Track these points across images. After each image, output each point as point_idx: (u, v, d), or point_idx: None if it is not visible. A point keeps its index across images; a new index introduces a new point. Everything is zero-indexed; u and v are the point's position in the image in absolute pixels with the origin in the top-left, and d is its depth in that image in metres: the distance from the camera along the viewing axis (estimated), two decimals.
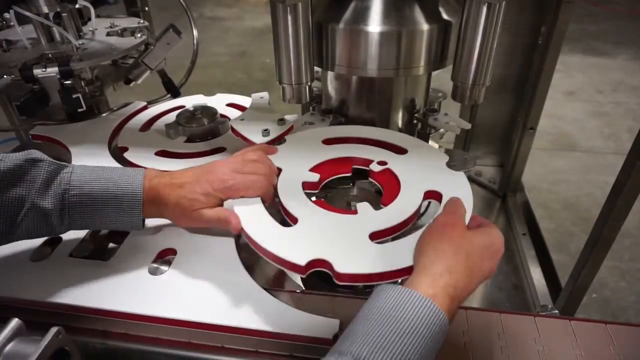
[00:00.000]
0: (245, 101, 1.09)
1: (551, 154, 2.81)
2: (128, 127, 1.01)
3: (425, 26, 0.81)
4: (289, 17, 0.75)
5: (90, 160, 0.88)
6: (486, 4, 0.72)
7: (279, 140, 0.84)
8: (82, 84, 1.03)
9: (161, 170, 0.66)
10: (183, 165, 0.85)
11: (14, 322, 0.53)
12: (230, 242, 0.70)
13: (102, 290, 0.63)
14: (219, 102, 1.08)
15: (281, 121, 0.86)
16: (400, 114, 0.96)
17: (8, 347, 0.51)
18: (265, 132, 0.83)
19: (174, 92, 1.19)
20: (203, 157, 0.89)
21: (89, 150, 0.92)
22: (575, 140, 2.96)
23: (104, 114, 1.07)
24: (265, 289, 0.63)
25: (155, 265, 0.66)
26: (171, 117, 1.03)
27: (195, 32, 1.23)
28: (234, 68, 3.97)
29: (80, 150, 0.91)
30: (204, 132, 0.96)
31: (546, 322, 0.61)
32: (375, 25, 0.81)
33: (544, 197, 2.47)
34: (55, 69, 0.92)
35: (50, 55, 0.95)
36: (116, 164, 0.88)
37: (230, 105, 1.08)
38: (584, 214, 2.38)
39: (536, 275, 1.12)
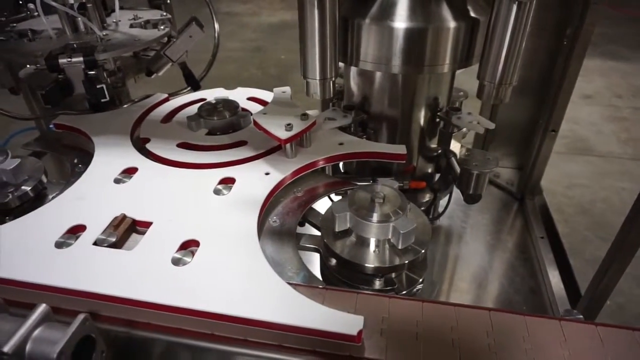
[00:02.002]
0: (266, 95, 1.09)
1: (566, 158, 2.78)
2: (150, 119, 1.01)
3: (452, 23, 0.81)
4: (316, 12, 0.75)
5: (112, 150, 0.89)
6: (516, 3, 0.71)
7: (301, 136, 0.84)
8: (105, 74, 1.03)
9: None
10: (205, 158, 0.86)
11: (42, 308, 0.53)
12: (254, 235, 0.69)
13: (126, 279, 0.63)
14: (240, 95, 1.08)
15: (304, 116, 0.86)
16: (422, 112, 0.95)
17: (36, 332, 0.51)
18: (289, 127, 0.82)
19: (195, 85, 1.19)
20: (224, 150, 0.88)
21: (111, 140, 0.92)
22: (591, 144, 2.92)
23: (125, 105, 1.08)
24: (289, 283, 0.63)
25: (178, 255, 0.66)
26: (192, 109, 1.03)
27: (216, 26, 1.24)
28: (249, 63, 3.97)
29: (102, 140, 0.92)
30: (225, 125, 0.96)
31: (572, 326, 0.60)
32: (401, 21, 0.81)
33: (558, 201, 2.45)
34: (80, 59, 0.92)
35: (75, 45, 0.96)
36: (138, 155, 0.88)
37: (251, 99, 1.08)
38: (599, 219, 2.35)
39: (554, 279, 1.11)
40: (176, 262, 0.65)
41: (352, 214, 0.69)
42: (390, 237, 0.69)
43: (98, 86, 0.95)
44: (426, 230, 0.73)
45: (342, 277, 0.73)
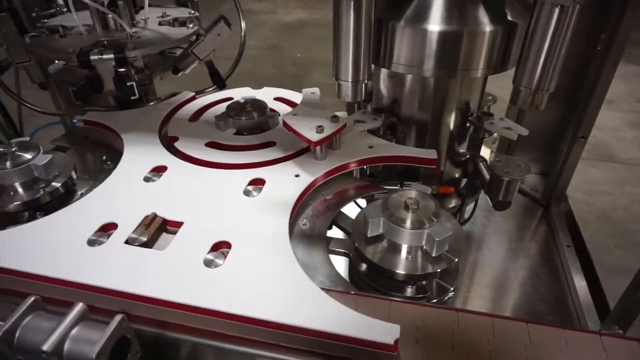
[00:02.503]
0: (293, 96, 1.09)
1: (587, 164, 2.73)
2: (178, 117, 1.01)
3: (488, 27, 0.79)
4: (352, 12, 0.74)
5: (141, 148, 0.89)
6: (558, 7, 0.70)
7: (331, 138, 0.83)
8: (133, 72, 1.03)
9: None
10: (234, 158, 0.85)
11: (79, 307, 0.53)
12: (285, 238, 0.69)
13: (158, 279, 0.62)
14: (267, 95, 1.07)
15: (334, 118, 0.85)
16: (453, 116, 0.93)
17: (74, 331, 0.51)
18: (319, 129, 0.82)
19: (220, 84, 1.19)
20: (253, 151, 0.88)
21: (140, 137, 0.92)
22: (612, 150, 2.87)
23: (151, 103, 1.08)
24: (321, 288, 0.62)
25: (210, 257, 0.65)
26: (220, 108, 1.03)
27: (243, 24, 1.23)
28: (265, 61, 3.97)
29: (131, 138, 0.92)
30: (253, 125, 0.95)
31: (613, 341, 0.59)
32: (436, 24, 0.80)
33: (578, 208, 2.38)
34: (111, 55, 0.92)
35: (105, 42, 0.96)
36: (167, 153, 0.88)
37: (278, 99, 1.07)
38: (620, 227, 2.31)
39: (581, 289, 1.09)
40: (208, 263, 0.65)
41: (385, 220, 0.69)
42: (424, 244, 0.68)
43: (128, 83, 0.95)
44: (459, 238, 0.72)
45: (373, 283, 0.72)
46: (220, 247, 0.68)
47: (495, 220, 1.37)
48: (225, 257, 0.66)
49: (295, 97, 1.08)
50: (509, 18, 0.80)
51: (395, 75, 0.92)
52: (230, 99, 1.07)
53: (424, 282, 0.72)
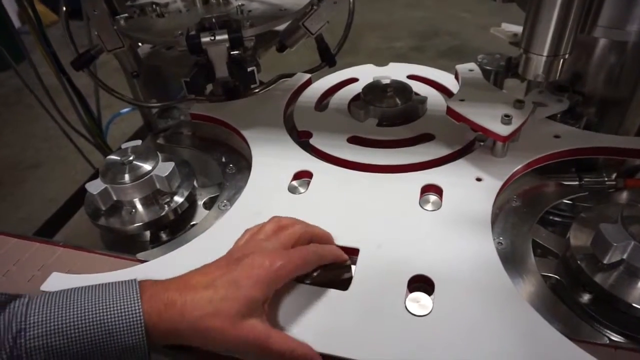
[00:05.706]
0: (429, 72, 0.90)
1: None
2: (301, 106, 0.85)
3: None
4: None
5: (271, 149, 0.74)
6: None
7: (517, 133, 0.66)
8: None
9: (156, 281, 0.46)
10: (389, 158, 0.69)
11: None
12: (499, 267, 0.53)
13: (353, 333, 0.49)
14: (396, 72, 0.90)
15: (519, 103, 0.67)
16: None
17: None
18: (507, 119, 0.64)
19: (330, 61, 1.02)
20: (409, 147, 0.72)
21: (265, 134, 0.77)
22: None
23: (257, 90, 0.92)
24: (570, 338, 0.47)
25: (414, 299, 0.51)
26: (346, 92, 0.87)
27: None
28: None
29: (256, 135, 0.77)
30: (397, 114, 0.78)
31: None
32: None
33: None
34: (225, 36, 0.77)
35: (213, 19, 0.80)
36: (305, 154, 0.73)
37: (412, 77, 0.89)
38: None
39: None
40: (413, 308, 0.50)
41: (637, 244, 0.52)
42: None
43: (249, 69, 0.79)
44: None
45: (604, 319, 0.56)
46: (417, 283, 0.54)
47: None
48: (432, 298, 0.51)
49: (433, 74, 0.90)
50: None
51: (581, 41, 0.72)
52: (354, 79, 0.90)
53: None
